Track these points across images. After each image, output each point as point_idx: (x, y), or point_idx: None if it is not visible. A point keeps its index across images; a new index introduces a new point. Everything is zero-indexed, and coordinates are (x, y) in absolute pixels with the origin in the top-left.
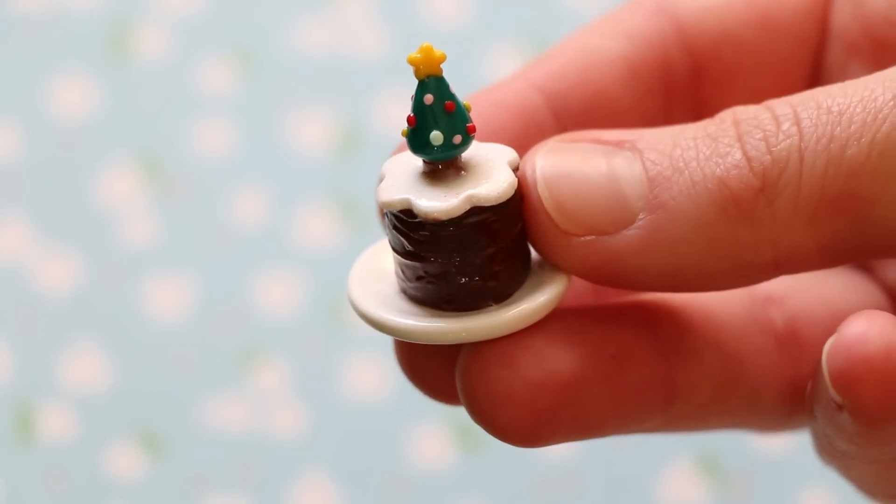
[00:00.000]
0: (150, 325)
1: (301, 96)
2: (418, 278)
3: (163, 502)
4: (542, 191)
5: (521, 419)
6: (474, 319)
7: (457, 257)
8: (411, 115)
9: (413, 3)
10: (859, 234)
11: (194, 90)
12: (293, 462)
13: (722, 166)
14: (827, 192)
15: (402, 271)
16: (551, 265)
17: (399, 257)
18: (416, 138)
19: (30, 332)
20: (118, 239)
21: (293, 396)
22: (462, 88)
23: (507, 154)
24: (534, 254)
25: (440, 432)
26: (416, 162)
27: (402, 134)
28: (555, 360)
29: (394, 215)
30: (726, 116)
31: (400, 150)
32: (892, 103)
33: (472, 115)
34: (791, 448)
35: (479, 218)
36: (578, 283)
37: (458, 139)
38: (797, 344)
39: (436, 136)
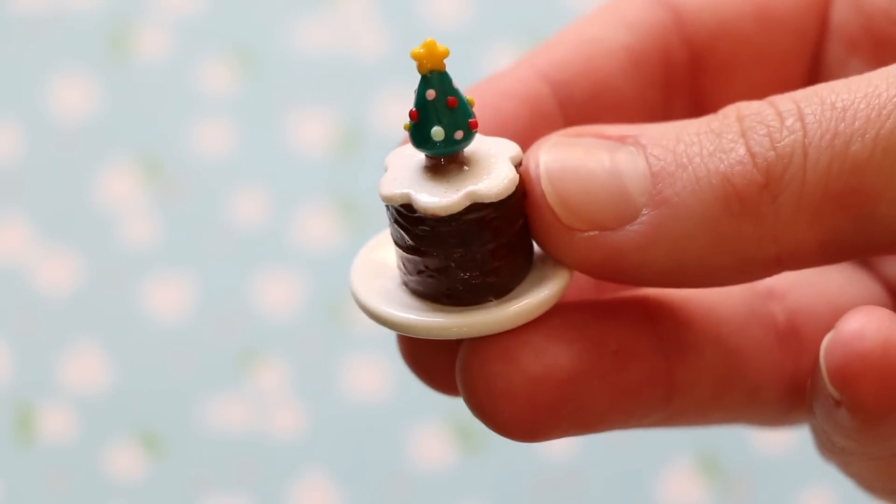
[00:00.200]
0: (150, 325)
1: (301, 96)
2: (419, 272)
3: (163, 502)
4: (546, 186)
5: (520, 414)
6: (474, 315)
7: (457, 253)
8: (413, 109)
9: (413, 3)
10: (863, 230)
11: (194, 90)
12: (293, 462)
13: (726, 162)
14: (831, 188)
15: (404, 265)
16: (553, 260)
17: (400, 251)
18: (418, 133)
19: (30, 332)
20: (118, 239)
21: (293, 396)
22: (461, 87)
23: (510, 149)
24: (536, 248)
25: (440, 432)
26: (420, 155)
27: (405, 128)
28: (555, 356)
29: (395, 209)
30: (730, 112)
31: (406, 141)
32: (895, 99)
33: (478, 103)
34: (791, 447)
35: (478, 214)
36: (579, 276)
37: (459, 135)
38: (798, 339)
39: (437, 132)
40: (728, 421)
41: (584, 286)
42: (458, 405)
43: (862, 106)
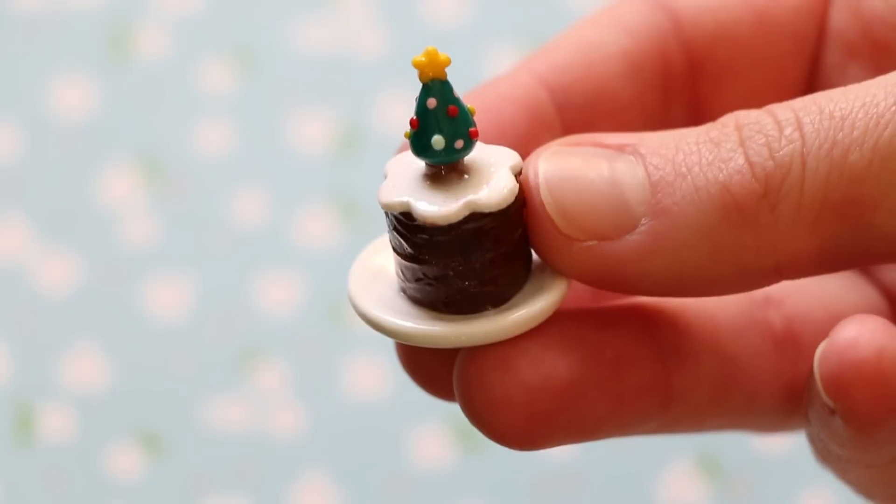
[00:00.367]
0: (150, 325)
1: (301, 96)
2: (417, 280)
3: (163, 502)
4: (545, 195)
5: (518, 423)
6: (472, 324)
7: (455, 262)
8: (414, 117)
9: (413, 3)
10: (861, 240)
11: (194, 90)
12: (293, 462)
13: (725, 171)
14: (829, 197)
15: (402, 272)
16: (551, 268)
17: (399, 258)
18: (419, 141)
19: (30, 332)
20: (118, 239)
21: (293, 396)
22: (461, 88)
23: (510, 158)
24: (534, 255)
25: (440, 432)
26: (420, 162)
27: (405, 136)
28: (552, 365)
29: (394, 217)
30: (728, 121)
31: (404, 148)
32: (894, 108)
33: (477, 107)
34: (791, 448)
35: (478, 224)
36: (577, 283)
37: (459, 144)
38: (795, 345)
39: (437, 141)
40: (726, 427)
41: (582, 293)
42: (457, 406)
43: (860, 115)
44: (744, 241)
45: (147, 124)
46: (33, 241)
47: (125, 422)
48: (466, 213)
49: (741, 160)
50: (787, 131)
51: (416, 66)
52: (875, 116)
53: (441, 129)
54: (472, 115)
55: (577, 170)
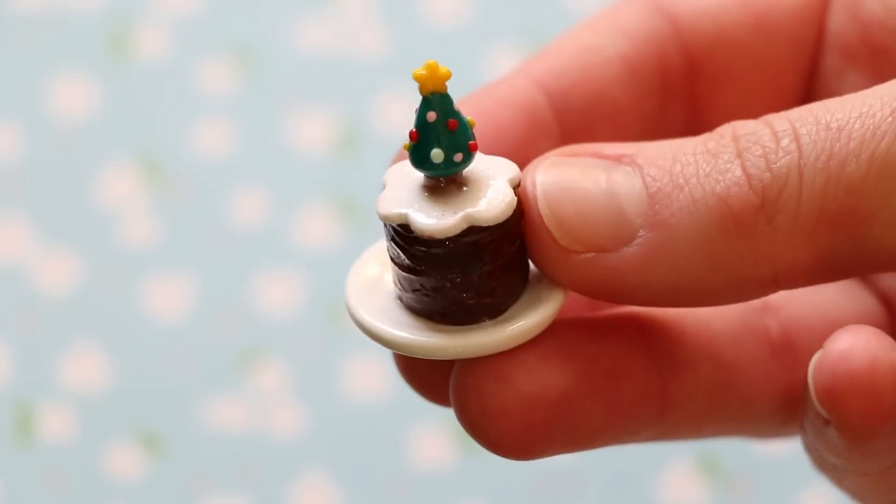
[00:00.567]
0: (150, 325)
1: (301, 96)
2: (414, 290)
3: (163, 502)
4: (543, 207)
5: (514, 433)
6: (469, 336)
7: (453, 274)
8: (413, 130)
9: (413, 3)
10: (858, 250)
11: (194, 90)
12: (293, 462)
13: (722, 183)
14: (826, 209)
15: (399, 281)
16: (549, 279)
17: (396, 268)
18: (418, 154)
19: (30, 332)
20: (118, 239)
21: (293, 396)
22: (461, 88)
23: (509, 170)
24: (531, 265)
25: (440, 432)
26: (419, 172)
27: (405, 147)
28: (548, 375)
29: (392, 228)
30: (725, 132)
31: (400, 156)
32: (890, 119)
33: (475, 112)
34: (791, 448)
35: (476, 237)
36: (574, 293)
37: (459, 157)
38: (792, 352)
39: (436, 154)
40: (723, 434)
41: (578, 302)
42: None
43: (857, 126)
44: (741, 252)
45: (147, 124)
46: (33, 241)
47: (125, 422)
48: (464, 226)
49: (738, 172)
50: (784, 142)
51: (417, 79)
52: (871, 127)
53: (440, 142)
54: (472, 127)
55: (574, 181)
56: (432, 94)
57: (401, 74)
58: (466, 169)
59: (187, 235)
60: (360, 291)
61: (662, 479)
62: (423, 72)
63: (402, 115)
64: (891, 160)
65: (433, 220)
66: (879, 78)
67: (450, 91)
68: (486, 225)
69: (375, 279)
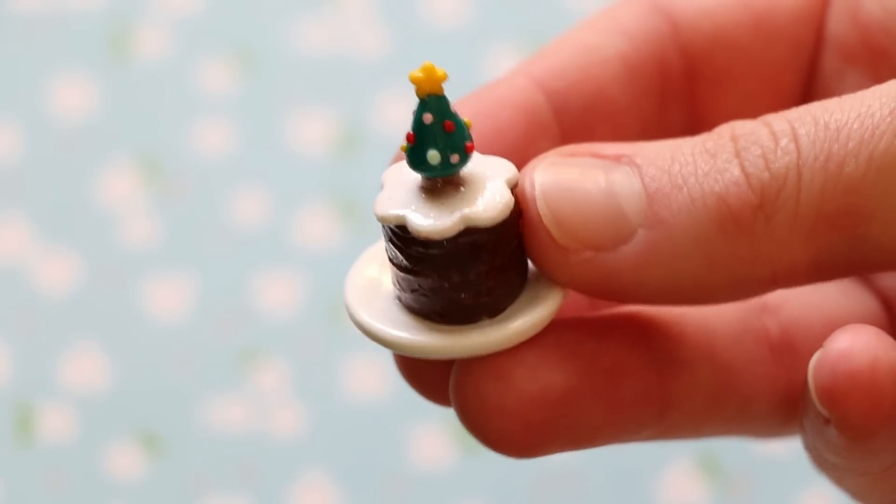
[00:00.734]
0: (150, 325)
1: (301, 96)
2: (413, 290)
3: (163, 502)
4: (542, 207)
5: (514, 432)
6: (468, 336)
7: (450, 274)
8: (410, 132)
9: (413, 3)
10: (857, 250)
11: (194, 90)
12: (293, 462)
13: (720, 183)
14: (825, 209)
15: (398, 282)
16: (547, 278)
17: (395, 268)
18: (415, 156)
19: (30, 332)
20: (118, 239)
21: (293, 396)
22: (461, 89)
23: (507, 170)
24: (530, 264)
25: (440, 432)
26: (416, 174)
27: (402, 149)
28: (548, 374)
29: (390, 229)
30: (724, 132)
31: (398, 158)
32: (888, 119)
33: (474, 112)
34: (791, 448)
35: (473, 238)
36: (573, 293)
37: (455, 158)
38: (792, 352)
39: (433, 156)
40: (722, 434)
41: (578, 301)
42: None
43: (855, 126)
44: (740, 251)
45: (147, 124)
46: (33, 241)
47: (125, 422)
48: (462, 227)
49: (737, 171)
50: (783, 142)
51: (413, 81)
52: (870, 127)
53: (437, 144)
54: (469, 128)
55: (573, 181)
56: (429, 96)
57: (401, 74)
58: (464, 169)
59: (187, 235)
60: (360, 292)
61: (662, 479)
62: (420, 74)
63: (402, 116)
64: (889, 160)
65: (430, 220)
66: (878, 79)
67: (449, 91)
68: (483, 225)
69: (375, 280)
